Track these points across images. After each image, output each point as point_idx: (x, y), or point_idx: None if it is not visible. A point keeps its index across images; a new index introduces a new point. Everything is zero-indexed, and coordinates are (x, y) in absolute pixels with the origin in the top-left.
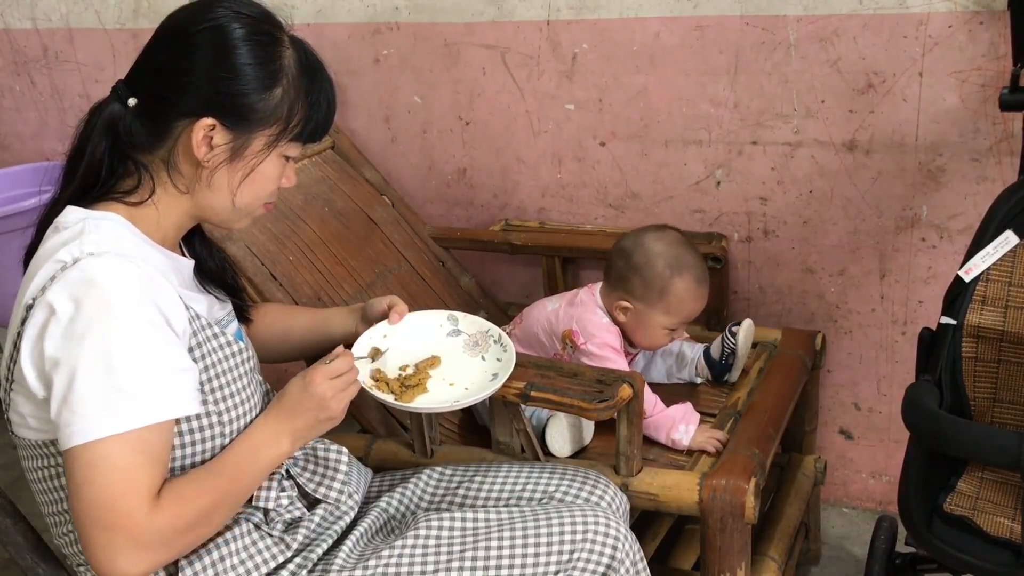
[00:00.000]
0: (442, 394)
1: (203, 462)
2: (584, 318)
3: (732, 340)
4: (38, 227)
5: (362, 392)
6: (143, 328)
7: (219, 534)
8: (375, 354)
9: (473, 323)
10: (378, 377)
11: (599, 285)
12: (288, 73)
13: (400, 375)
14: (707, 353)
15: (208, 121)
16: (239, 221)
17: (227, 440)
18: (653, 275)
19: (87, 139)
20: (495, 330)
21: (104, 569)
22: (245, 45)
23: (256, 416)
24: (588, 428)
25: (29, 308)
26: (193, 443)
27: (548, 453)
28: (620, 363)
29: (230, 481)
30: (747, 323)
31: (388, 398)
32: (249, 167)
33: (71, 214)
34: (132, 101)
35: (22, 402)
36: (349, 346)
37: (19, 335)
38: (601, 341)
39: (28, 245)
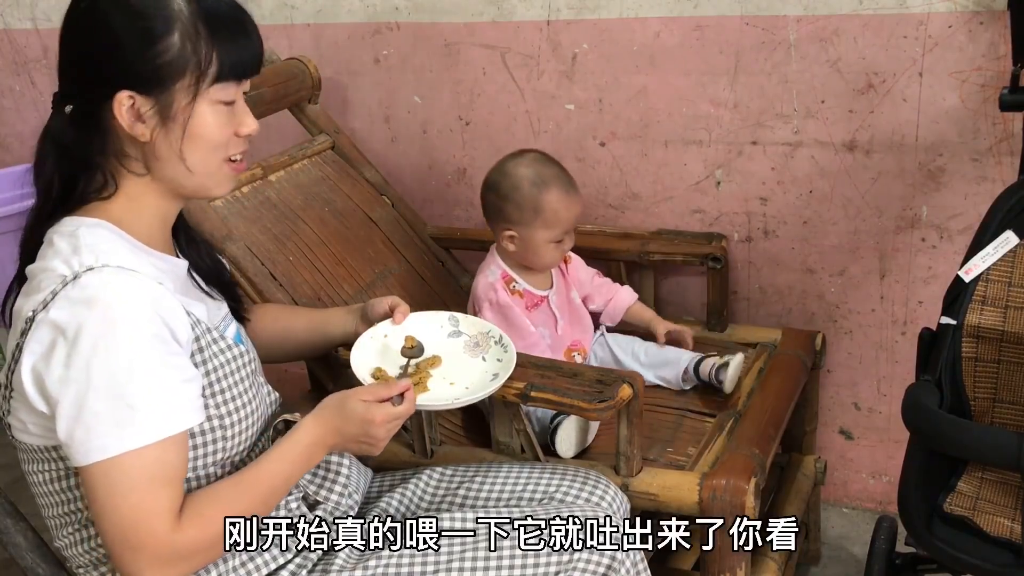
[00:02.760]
0: (442, 393)
1: (207, 469)
2: (477, 284)
3: (718, 383)
4: (23, 244)
5: None
6: (149, 343)
7: None
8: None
9: (474, 324)
10: (380, 376)
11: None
12: (180, 17)
13: (401, 375)
14: (696, 368)
15: (124, 94)
16: (212, 186)
17: (229, 444)
18: (522, 196)
19: (41, 159)
20: (496, 331)
21: None
22: (126, 4)
23: (258, 420)
24: (592, 429)
25: (30, 321)
26: (195, 447)
27: (550, 453)
28: (517, 318)
29: (261, 499)
30: (735, 361)
31: None
32: (182, 125)
33: (66, 224)
34: (68, 108)
35: (22, 409)
36: (349, 347)
37: (19, 347)
38: (488, 303)
39: (19, 257)
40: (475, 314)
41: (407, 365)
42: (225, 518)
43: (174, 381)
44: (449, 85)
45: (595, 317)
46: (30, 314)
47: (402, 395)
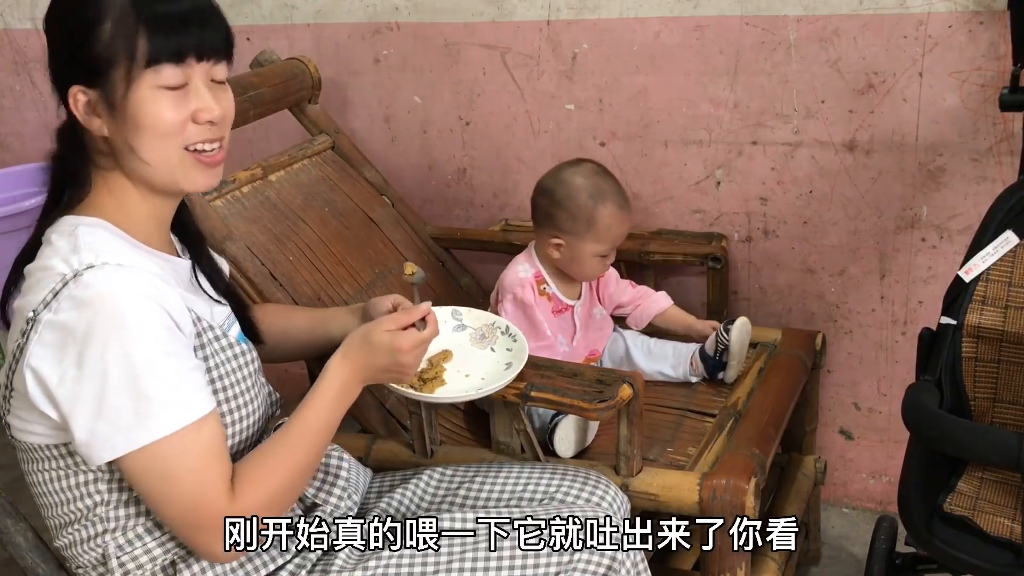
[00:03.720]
0: (462, 384)
1: None
2: (506, 275)
3: (726, 336)
4: (31, 241)
5: (364, 392)
6: (158, 334)
7: None
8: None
9: (478, 317)
10: None
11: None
12: (112, 5)
13: (416, 371)
14: (702, 350)
15: (75, 89)
16: (180, 179)
17: (230, 442)
18: (577, 207)
19: (49, 159)
20: (501, 321)
21: (208, 557)
22: (61, 3)
23: (259, 419)
24: (591, 429)
25: (31, 320)
26: None
27: (549, 453)
28: (537, 319)
29: (309, 448)
30: (741, 320)
31: (413, 392)
32: (126, 115)
33: (64, 223)
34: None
35: (23, 408)
36: None
37: (20, 348)
38: (512, 297)
39: (19, 256)
40: (496, 304)
41: (413, 292)
42: (269, 485)
43: (187, 367)
44: (449, 85)
45: (623, 320)
46: (30, 314)
47: (424, 320)
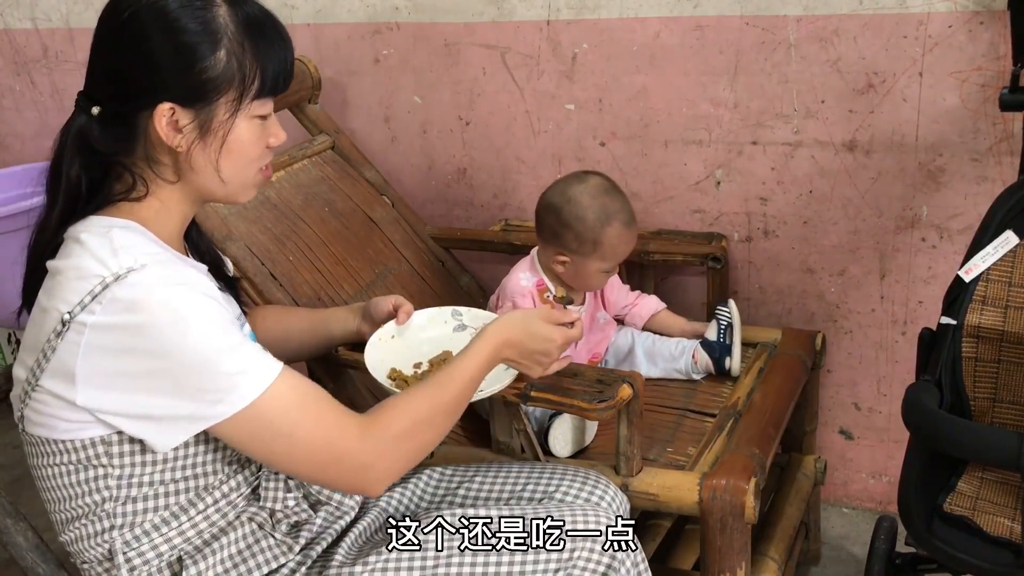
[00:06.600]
0: None
1: (215, 465)
2: (508, 281)
3: (726, 313)
4: (38, 243)
5: (364, 392)
6: (212, 316)
7: (223, 534)
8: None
9: (477, 316)
10: (396, 376)
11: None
12: (227, 32)
13: (416, 373)
14: (704, 340)
15: (165, 106)
16: (240, 194)
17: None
18: (584, 228)
19: (61, 158)
20: None
21: (360, 492)
22: (173, 18)
23: None
24: (590, 429)
25: (66, 323)
26: (206, 443)
27: (548, 453)
28: None
29: (452, 392)
30: (731, 301)
31: None
32: (221, 138)
33: (94, 223)
34: (95, 110)
35: (50, 401)
36: (348, 346)
37: (53, 349)
38: (512, 305)
39: (30, 254)
40: (497, 307)
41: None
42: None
43: (244, 339)
44: (449, 85)
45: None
46: (66, 315)
47: (571, 324)
